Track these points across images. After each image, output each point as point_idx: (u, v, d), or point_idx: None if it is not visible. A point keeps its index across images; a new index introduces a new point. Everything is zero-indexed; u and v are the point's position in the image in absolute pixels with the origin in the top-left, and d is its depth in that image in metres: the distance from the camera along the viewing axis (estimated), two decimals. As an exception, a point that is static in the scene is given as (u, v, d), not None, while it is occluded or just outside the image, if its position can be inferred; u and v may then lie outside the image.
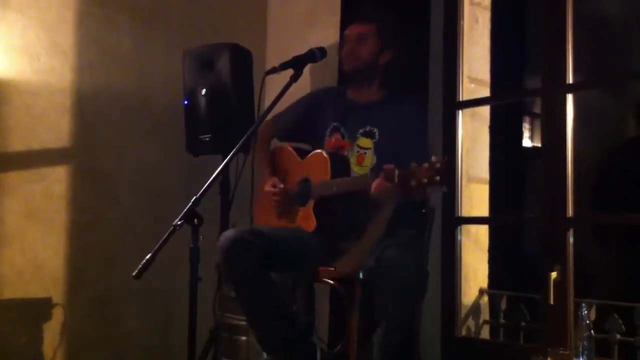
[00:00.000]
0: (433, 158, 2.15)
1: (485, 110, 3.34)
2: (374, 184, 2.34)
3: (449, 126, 3.12)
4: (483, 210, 3.29)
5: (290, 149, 2.87)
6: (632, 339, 2.74)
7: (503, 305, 3.26)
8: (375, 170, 2.52)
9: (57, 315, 3.30)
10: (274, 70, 2.43)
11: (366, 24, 2.77)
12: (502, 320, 3.26)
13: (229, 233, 2.49)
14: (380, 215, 2.35)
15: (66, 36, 3.37)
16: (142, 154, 3.56)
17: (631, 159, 3.68)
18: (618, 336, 2.75)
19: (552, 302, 2.65)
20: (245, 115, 3.19)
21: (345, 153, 2.71)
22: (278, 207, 2.76)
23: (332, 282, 2.54)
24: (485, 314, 3.31)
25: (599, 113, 4.58)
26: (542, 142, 2.88)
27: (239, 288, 2.52)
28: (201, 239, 2.05)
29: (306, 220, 2.64)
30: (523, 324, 3.13)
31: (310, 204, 2.64)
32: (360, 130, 2.71)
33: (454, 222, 3.09)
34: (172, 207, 2.22)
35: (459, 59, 3.14)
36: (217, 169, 2.23)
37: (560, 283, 2.65)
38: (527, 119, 5.20)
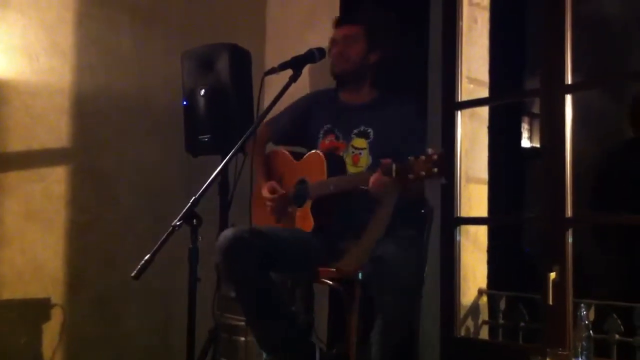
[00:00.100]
0: (429, 150, 2.14)
1: (484, 111, 3.34)
2: (372, 179, 2.34)
3: (448, 127, 3.12)
4: (482, 211, 3.29)
5: (285, 151, 2.88)
6: (631, 339, 2.74)
7: (502, 305, 3.26)
8: (372, 169, 2.52)
9: (57, 315, 3.30)
10: (273, 71, 2.43)
11: (353, 26, 2.77)
12: (501, 321, 3.26)
13: (228, 232, 2.49)
14: (380, 213, 2.35)
15: (66, 36, 3.38)
16: (141, 154, 3.56)
17: (630, 159, 3.68)
18: (617, 336, 2.75)
19: (551, 303, 2.65)
20: (244, 116, 3.19)
21: (341, 154, 2.71)
22: (275, 211, 2.76)
23: (331, 282, 2.54)
24: (484, 314, 3.31)
25: (598, 113, 4.58)
26: (541, 143, 2.89)
27: (238, 287, 2.52)
28: (200, 239, 2.06)
29: (304, 220, 2.64)
30: (522, 324, 3.12)
31: (308, 204, 2.64)
32: (355, 131, 2.72)
33: (453, 222, 3.09)
34: (172, 207, 2.22)
35: (458, 60, 3.14)
36: (216, 170, 2.23)
37: (559, 283, 2.65)
38: (526, 119, 5.20)
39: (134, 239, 3.43)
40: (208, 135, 3.26)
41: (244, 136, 2.31)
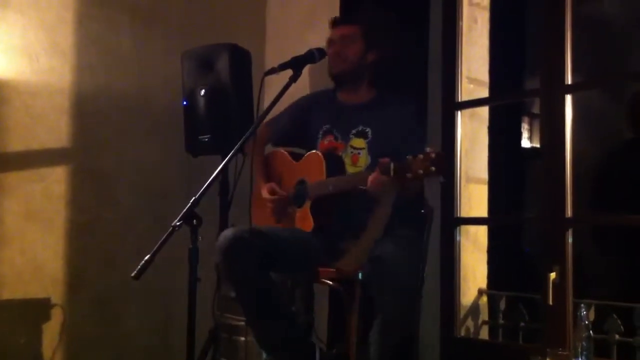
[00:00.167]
0: (427, 149, 2.14)
1: (484, 111, 3.34)
2: (370, 178, 2.34)
3: (448, 127, 3.12)
4: (482, 211, 3.29)
5: (284, 152, 2.88)
6: (631, 339, 2.74)
7: (502, 305, 3.26)
8: (371, 168, 2.53)
9: (57, 315, 3.30)
10: (273, 71, 2.43)
11: (350, 26, 2.78)
12: (501, 321, 3.26)
13: (227, 232, 2.49)
14: (378, 212, 2.35)
15: (66, 37, 3.37)
16: (141, 154, 3.56)
17: (630, 159, 3.68)
18: (617, 337, 2.75)
19: (551, 303, 2.65)
20: (244, 116, 3.19)
21: (340, 154, 2.71)
22: (275, 212, 2.76)
23: (331, 282, 2.54)
24: (484, 315, 3.31)
25: (598, 113, 4.58)
26: (541, 143, 2.89)
27: (238, 287, 2.52)
28: (200, 239, 2.06)
29: (304, 221, 2.64)
30: (522, 324, 3.12)
31: (307, 204, 2.64)
32: (353, 131, 2.72)
33: (453, 222, 3.09)
34: (172, 207, 2.22)
35: (458, 60, 3.14)
36: (216, 170, 2.23)
37: (559, 283, 2.65)
38: (526, 119, 5.20)
39: (134, 239, 3.43)
40: (208, 135, 3.26)
41: (244, 136, 2.31)
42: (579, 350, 2.19)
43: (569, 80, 2.72)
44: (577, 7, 2.82)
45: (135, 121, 3.55)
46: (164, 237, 2.00)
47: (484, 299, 3.31)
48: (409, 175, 2.16)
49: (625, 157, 3.72)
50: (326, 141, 2.77)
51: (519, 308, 3.16)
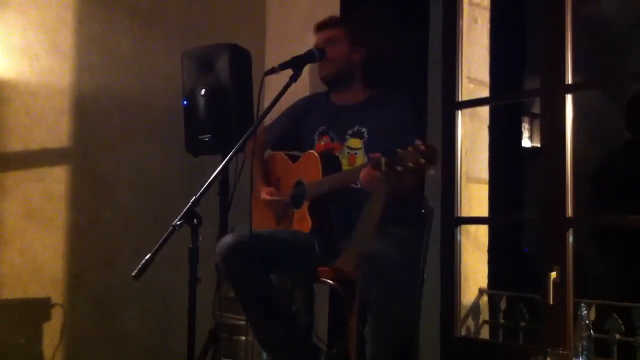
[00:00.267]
0: (417, 141, 2.13)
1: (484, 111, 3.34)
2: (362, 173, 2.35)
3: (448, 126, 3.12)
4: (482, 211, 3.29)
5: (283, 155, 2.89)
6: (631, 339, 2.74)
7: (502, 305, 3.26)
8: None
9: (57, 315, 3.30)
10: (273, 71, 2.43)
11: (334, 28, 2.79)
12: (501, 321, 3.26)
13: (227, 238, 2.51)
14: (369, 208, 2.35)
15: (66, 37, 3.38)
16: (141, 154, 3.56)
17: (631, 160, 3.68)
18: (617, 336, 2.75)
19: (551, 302, 2.65)
20: (244, 116, 3.19)
21: (336, 155, 2.71)
22: (274, 215, 2.77)
23: (331, 282, 2.54)
24: (484, 314, 3.31)
25: (598, 113, 4.58)
26: (542, 142, 2.88)
27: (239, 291, 2.53)
28: (200, 239, 2.05)
29: (302, 222, 2.64)
30: (522, 324, 3.12)
31: (305, 205, 2.65)
32: (349, 131, 2.72)
33: (453, 222, 3.09)
34: (172, 207, 2.22)
35: (458, 59, 3.13)
36: (216, 169, 2.23)
37: (559, 283, 2.64)
38: (526, 119, 5.20)
39: (134, 239, 3.43)
40: (208, 135, 3.25)
41: (244, 136, 2.31)
42: (580, 349, 2.19)
43: (569, 80, 2.72)
44: (577, 7, 2.81)
45: (135, 121, 3.55)
46: (164, 236, 2.00)
47: (485, 298, 3.31)
48: (399, 168, 2.15)
49: (626, 157, 3.72)
50: (322, 142, 2.78)
51: (519, 308, 3.16)
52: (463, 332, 3.16)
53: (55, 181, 3.33)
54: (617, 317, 2.78)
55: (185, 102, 3.35)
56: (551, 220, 2.72)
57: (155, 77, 3.60)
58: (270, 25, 4.04)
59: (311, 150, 2.72)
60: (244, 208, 2.69)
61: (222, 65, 3.24)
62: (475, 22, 3.30)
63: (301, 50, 2.55)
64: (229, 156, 2.27)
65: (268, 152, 3.03)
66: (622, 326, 2.75)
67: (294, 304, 2.94)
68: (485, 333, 3.30)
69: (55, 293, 3.31)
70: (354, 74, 2.78)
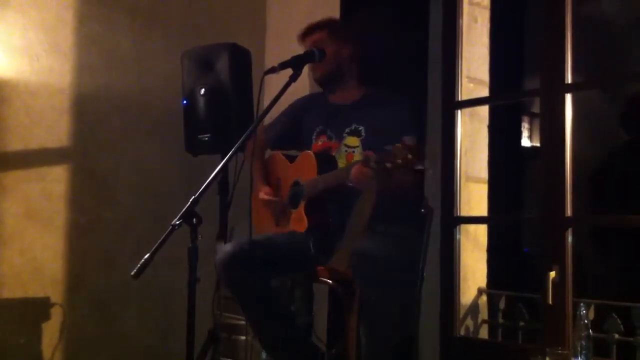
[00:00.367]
0: (406, 137, 2.14)
1: (484, 110, 3.33)
2: (353, 171, 2.37)
3: (448, 126, 3.11)
4: (482, 210, 3.28)
5: (281, 155, 2.89)
6: (630, 339, 2.73)
7: (502, 305, 3.26)
8: None
9: (56, 315, 3.30)
10: (273, 70, 2.43)
11: (318, 32, 2.81)
12: (500, 320, 3.25)
13: (227, 247, 2.53)
14: (360, 206, 2.35)
15: (66, 37, 3.38)
16: (141, 154, 3.56)
17: (630, 160, 3.68)
18: (616, 336, 2.75)
19: (550, 302, 2.65)
20: (244, 115, 3.19)
21: (333, 153, 2.72)
22: (273, 214, 2.78)
23: (330, 281, 2.54)
24: (483, 314, 3.31)
25: (598, 113, 4.58)
26: (541, 142, 2.88)
27: (240, 297, 2.55)
28: (200, 238, 2.05)
29: (299, 222, 2.65)
30: (522, 323, 3.12)
31: (302, 205, 2.65)
32: (347, 130, 2.73)
33: (452, 221, 3.08)
34: (172, 207, 2.22)
35: (458, 59, 3.13)
36: (216, 169, 2.23)
37: (558, 283, 2.64)
38: (526, 118, 5.19)
39: (133, 239, 3.44)
40: (208, 135, 3.26)
41: (244, 135, 2.31)
42: (579, 349, 2.19)
43: (569, 79, 2.71)
44: (577, 7, 2.81)
45: (135, 121, 3.55)
46: (164, 236, 2.00)
47: (484, 298, 3.31)
48: (388, 165, 2.15)
49: (625, 157, 3.72)
50: (320, 142, 2.79)
51: (518, 307, 3.16)
52: (462, 332, 3.16)
53: (55, 181, 3.33)
54: (616, 316, 2.77)
55: (185, 102, 3.35)
56: (550, 220, 2.72)
57: (155, 77, 3.60)
58: (270, 25, 4.05)
59: (307, 150, 2.73)
60: (243, 208, 2.70)
61: (222, 64, 3.24)
62: (475, 21, 3.30)
63: (301, 50, 2.55)
64: (228, 156, 2.27)
65: (268, 152, 3.03)
66: (621, 326, 2.75)
67: (293, 304, 2.94)
68: (484, 333, 3.30)
69: (55, 293, 3.31)
70: (347, 72, 2.79)
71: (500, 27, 3.50)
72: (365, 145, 2.67)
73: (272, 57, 3.77)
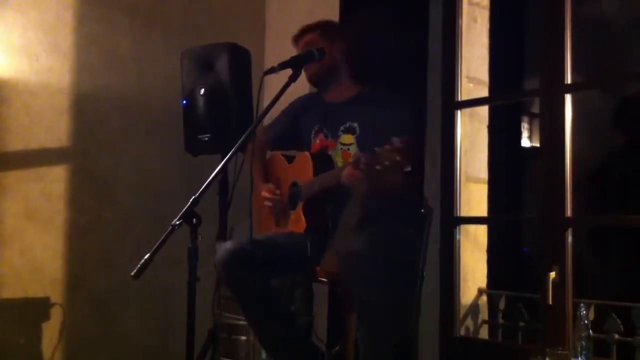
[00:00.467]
0: (394, 138, 2.12)
1: (484, 110, 3.34)
2: (344, 173, 2.36)
3: (447, 126, 3.12)
4: (482, 210, 3.29)
5: (281, 155, 2.89)
6: (630, 339, 2.74)
7: (502, 305, 3.26)
8: None
9: (56, 315, 3.30)
10: (272, 70, 2.43)
11: (310, 33, 2.81)
12: (500, 320, 3.26)
13: (227, 245, 2.52)
14: (349, 207, 2.35)
15: (65, 36, 3.38)
16: (141, 154, 3.56)
17: (630, 160, 3.69)
18: (616, 336, 2.75)
19: (550, 302, 2.65)
20: (244, 115, 3.19)
21: (330, 152, 2.72)
22: (273, 213, 2.78)
23: (325, 280, 2.55)
24: (483, 314, 3.31)
25: (598, 113, 4.58)
26: (541, 142, 2.88)
27: (240, 296, 2.54)
28: (200, 238, 2.05)
29: (297, 222, 2.65)
30: (522, 324, 3.12)
31: (300, 206, 2.65)
32: (341, 128, 2.72)
33: (452, 222, 3.09)
34: (172, 207, 2.22)
35: (457, 59, 3.13)
36: (216, 169, 2.23)
37: (558, 283, 2.65)
38: (525, 119, 5.20)
39: (133, 239, 3.43)
40: (208, 135, 3.25)
41: (244, 136, 2.31)
42: (579, 349, 2.19)
43: (568, 80, 2.72)
44: (577, 7, 2.81)
45: (134, 121, 3.55)
46: (164, 236, 2.00)
47: (484, 298, 3.31)
48: (377, 166, 2.14)
49: (625, 157, 3.72)
50: (318, 140, 2.79)
51: (518, 307, 3.16)
52: (462, 332, 3.16)
53: (54, 181, 3.33)
54: (616, 317, 2.78)
55: (184, 102, 3.34)
56: (550, 220, 2.72)
57: (155, 77, 3.60)
58: (270, 25, 4.05)
59: (304, 151, 2.73)
60: (243, 208, 2.69)
61: (222, 64, 3.23)
62: (475, 21, 3.30)
63: (296, 52, 2.55)
64: (228, 156, 2.26)
65: (269, 153, 3.03)
66: (621, 326, 2.75)
67: (293, 304, 2.94)
68: (484, 333, 3.30)
69: (55, 293, 3.31)
70: (339, 71, 2.79)
71: (500, 27, 3.51)
72: (360, 142, 2.66)
73: (272, 57, 3.77)
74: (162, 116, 3.59)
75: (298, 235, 2.63)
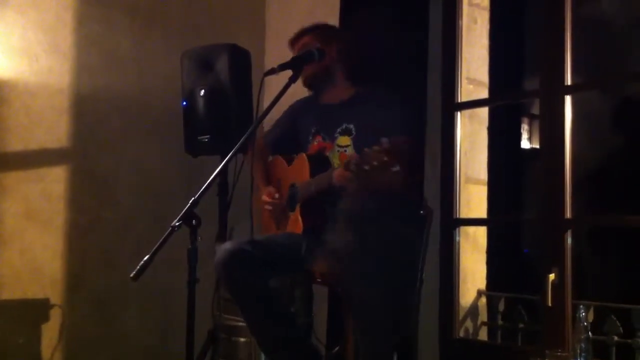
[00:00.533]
0: (383, 139, 2.12)
1: (484, 112, 3.33)
2: (335, 174, 2.37)
3: (447, 127, 3.12)
4: (481, 212, 3.28)
5: (281, 158, 2.89)
6: (629, 341, 2.74)
7: (501, 306, 3.26)
8: None
9: (56, 315, 3.30)
10: (272, 71, 2.43)
11: (305, 36, 2.81)
12: (500, 322, 3.26)
13: (226, 245, 2.51)
14: (339, 208, 2.35)
15: (65, 37, 3.38)
16: (141, 154, 3.56)
17: (629, 161, 3.69)
18: (616, 338, 2.75)
19: (550, 304, 2.65)
20: (244, 116, 3.19)
21: (327, 154, 2.72)
22: (273, 217, 2.78)
23: (319, 280, 2.55)
24: (483, 316, 3.31)
25: (598, 114, 4.58)
26: (541, 144, 2.88)
27: (239, 296, 2.54)
28: (199, 239, 2.05)
29: (296, 223, 2.66)
30: (521, 325, 3.12)
31: (298, 207, 2.66)
32: (338, 129, 2.73)
33: (452, 223, 3.09)
34: (172, 207, 2.22)
35: (457, 60, 3.13)
36: (216, 170, 2.23)
37: (558, 284, 2.64)
38: (525, 120, 5.20)
39: (133, 239, 3.43)
40: (208, 136, 3.25)
41: (244, 136, 2.31)
42: (578, 351, 2.19)
43: (568, 81, 2.71)
44: (577, 7, 2.81)
45: (134, 121, 3.55)
46: (163, 237, 2.00)
47: (483, 300, 3.31)
48: (366, 167, 2.14)
49: (624, 158, 3.72)
50: (315, 142, 2.79)
51: (518, 309, 3.16)
52: (461, 334, 3.16)
53: (54, 181, 3.33)
54: (615, 318, 2.78)
55: (184, 103, 3.34)
56: (550, 221, 2.72)
57: (155, 77, 3.60)
58: (270, 25, 4.04)
59: (302, 153, 2.74)
60: (243, 209, 2.69)
61: (222, 65, 3.24)
62: (475, 22, 3.30)
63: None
64: (228, 157, 2.26)
65: (271, 156, 3.03)
66: (621, 328, 2.75)
67: (293, 304, 2.94)
68: (483, 334, 3.30)
69: (55, 293, 3.31)
70: (334, 72, 2.78)
71: (500, 28, 3.51)
72: (357, 144, 2.66)
73: (272, 58, 3.77)
74: (162, 116, 3.59)
75: (297, 235, 2.63)
